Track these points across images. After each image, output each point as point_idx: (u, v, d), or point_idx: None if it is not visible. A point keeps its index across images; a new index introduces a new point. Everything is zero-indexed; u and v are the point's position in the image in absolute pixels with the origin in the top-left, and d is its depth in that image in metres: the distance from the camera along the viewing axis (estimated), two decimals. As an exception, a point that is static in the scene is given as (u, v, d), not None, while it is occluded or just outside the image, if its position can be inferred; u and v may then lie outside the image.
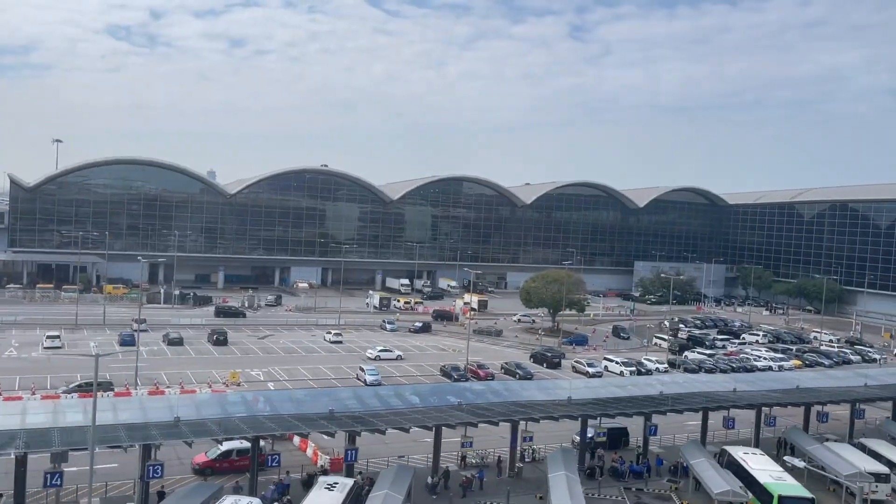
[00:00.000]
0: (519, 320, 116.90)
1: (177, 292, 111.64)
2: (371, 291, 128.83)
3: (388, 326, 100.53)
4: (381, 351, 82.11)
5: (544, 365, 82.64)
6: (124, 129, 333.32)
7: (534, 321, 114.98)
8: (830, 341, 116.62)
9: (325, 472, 42.17)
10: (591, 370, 78.69)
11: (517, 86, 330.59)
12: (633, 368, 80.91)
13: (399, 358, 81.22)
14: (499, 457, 47.60)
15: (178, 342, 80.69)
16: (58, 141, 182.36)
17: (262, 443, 38.36)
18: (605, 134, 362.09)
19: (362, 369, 69.80)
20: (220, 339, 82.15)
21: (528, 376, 74.53)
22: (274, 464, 38.39)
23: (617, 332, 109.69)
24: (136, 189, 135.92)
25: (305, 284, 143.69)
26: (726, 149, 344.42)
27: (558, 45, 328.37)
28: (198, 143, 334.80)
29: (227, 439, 39.65)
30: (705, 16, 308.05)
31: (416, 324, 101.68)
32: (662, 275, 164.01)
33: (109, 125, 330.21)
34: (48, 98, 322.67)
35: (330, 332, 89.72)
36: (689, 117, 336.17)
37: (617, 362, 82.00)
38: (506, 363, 78.62)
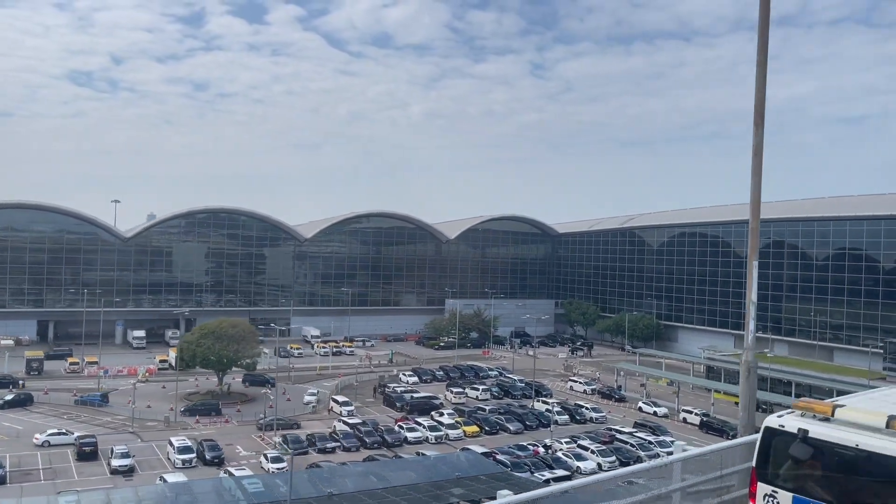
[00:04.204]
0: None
1: None
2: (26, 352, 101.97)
3: (-34, 401, 76.11)
4: (51, 435, 62.77)
5: (76, 457, 59.25)
6: (91, 173, 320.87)
7: (197, 384, 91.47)
8: (584, 392, 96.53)
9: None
10: (115, 463, 55.61)
11: (479, 123, 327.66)
12: (192, 456, 58.06)
13: None
14: None
15: None
16: None
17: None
18: (554, 169, 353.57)
19: None
20: None
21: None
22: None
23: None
24: None
25: (10, 341, 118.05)
26: (684, 179, 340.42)
27: (519, 82, 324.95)
28: (161, 187, 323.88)
29: None
30: (660, 51, 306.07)
31: (7, 396, 77.40)
32: (462, 312, 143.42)
33: (75, 170, 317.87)
34: (7, 145, 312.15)
35: None
36: (648, 150, 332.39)
37: (175, 448, 59.04)
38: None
